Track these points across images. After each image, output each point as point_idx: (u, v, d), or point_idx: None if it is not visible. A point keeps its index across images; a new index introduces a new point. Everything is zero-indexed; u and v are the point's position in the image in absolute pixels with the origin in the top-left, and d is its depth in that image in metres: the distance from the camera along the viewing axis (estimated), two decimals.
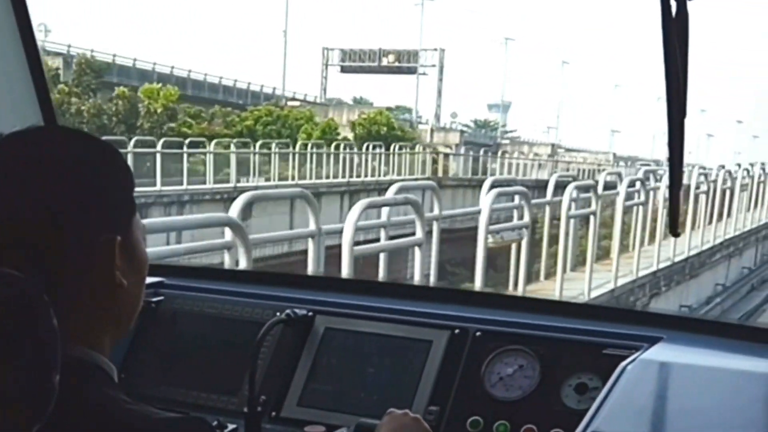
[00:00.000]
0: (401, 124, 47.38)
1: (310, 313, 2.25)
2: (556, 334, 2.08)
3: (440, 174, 36.98)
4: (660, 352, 2.00)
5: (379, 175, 32.07)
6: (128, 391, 1.20)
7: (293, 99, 50.41)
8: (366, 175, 31.66)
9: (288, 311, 2.22)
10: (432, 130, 50.44)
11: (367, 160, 33.15)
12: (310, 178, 28.82)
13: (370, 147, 34.46)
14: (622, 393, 1.79)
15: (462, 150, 46.71)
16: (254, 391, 2.06)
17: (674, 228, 2.09)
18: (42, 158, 1.19)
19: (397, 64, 59.23)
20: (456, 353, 2.10)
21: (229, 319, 2.32)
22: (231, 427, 2.06)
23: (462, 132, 53.76)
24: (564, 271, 11.47)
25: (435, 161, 39.62)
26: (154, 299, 2.39)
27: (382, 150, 34.64)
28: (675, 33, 1.67)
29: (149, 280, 2.47)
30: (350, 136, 38.76)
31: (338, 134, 37.85)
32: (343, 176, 30.23)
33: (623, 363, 1.91)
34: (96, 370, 1.19)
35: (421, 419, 1.72)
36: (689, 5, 1.68)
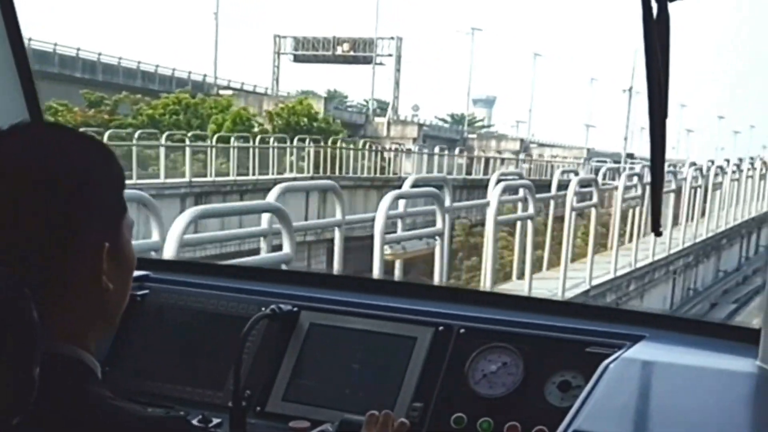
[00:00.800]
0: (337, 115, 43.44)
1: (296, 309, 2.25)
2: (540, 332, 2.10)
3: (390, 173, 33.83)
4: (642, 351, 2.02)
5: (276, 173, 26.55)
6: (113, 386, 1.21)
7: (227, 88, 46.48)
8: (254, 173, 26.32)
9: (273, 306, 2.22)
10: (389, 123, 47.48)
11: (275, 155, 28.27)
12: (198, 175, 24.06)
13: (294, 141, 30.52)
14: (605, 391, 1.80)
15: (420, 144, 43.82)
16: (239, 385, 2.06)
17: (656, 227, 2.10)
18: (32, 156, 1.18)
19: (352, 53, 55.44)
20: (440, 350, 2.11)
21: (215, 314, 2.32)
22: (216, 421, 2.06)
23: (421, 125, 50.18)
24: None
25: (383, 158, 36.30)
26: (140, 293, 2.38)
27: (288, 144, 30.12)
28: (656, 34, 1.69)
29: (134, 273, 2.47)
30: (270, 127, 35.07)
31: (252, 125, 33.78)
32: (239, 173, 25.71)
33: (606, 361, 1.92)
34: (80, 366, 1.19)
35: None
36: (670, 6, 1.69)
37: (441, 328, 2.14)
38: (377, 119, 48.68)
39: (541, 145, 61.80)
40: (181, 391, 2.22)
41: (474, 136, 58.91)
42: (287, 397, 2.15)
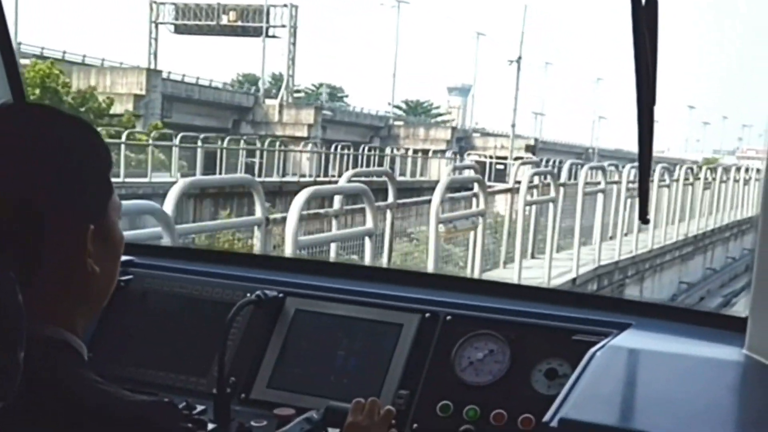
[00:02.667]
0: (220, 97, 37.95)
1: (281, 295, 2.23)
2: (526, 320, 2.09)
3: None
4: (629, 339, 2.01)
5: None
6: (96, 371, 1.19)
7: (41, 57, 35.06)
8: None
9: (258, 292, 2.20)
10: (281, 106, 40.28)
11: None
12: None
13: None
14: (592, 379, 1.80)
15: (318, 133, 38.47)
16: (223, 372, 2.05)
17: (643, 214, 2.10)
18: (15, 137, 1.16)
19: (240, 23, 47.30)
20: (426, 337, 2.10)
21: (199, 300, 2.31)
22: (200, 408, 2.04)
23: (319, 108, 42.56)
24: None
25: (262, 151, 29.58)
26: (124, 278, 2.36)
27: None
28: (644, 22, 1.67)
29: None
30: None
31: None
32: None
33: (592, 349, 1.92)
34: (66, 348, 1.18)
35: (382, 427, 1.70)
36: None
37: (427, 315, 2.13)
38: (268, 102, 41.47)
39: (486, 134, 56.56)
40: (165, 377, 2.20)
41: (400, 123, 51.94)
42: (272, 384, 2.14)
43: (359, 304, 2.20)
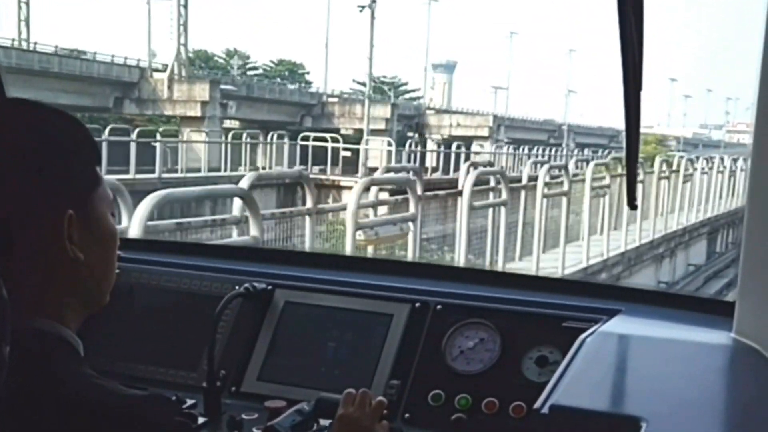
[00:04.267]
0: (88, 69, 31.43)
1: (270, 287, 2.23)
2: (516, 308, 2.09)
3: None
4: (619, 325, 2.02)
5: None
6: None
7: None
8: None
9: (247, 285, 2.20)
10: (171, 80, 33.89)
11: None
12: None
13: None
14: (582, 366, 1.80)
15: (216, 112, 32.76)
16: (213, 365, 2.04)
17: (632, 200, 2.10)
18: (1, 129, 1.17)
19: None
20: (417, 327, 2.10)
21: (187, 293, 2.30)
22: (190, 402, 2.04)
23: (215, 82, 35.58)
24: None
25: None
26: None
27: None
28: (630, 6, 1.67)
29: None
30: None
31: None
32: None
33: (583, 336, 1.92)
34: (61, 342, 1.19)
35: (371, 428, 1.69)
36: None
37: (417, 304, 2.13)
38: (157, 76, 34.82)
39: (440, 111, 52.42)
40: (154, 372, 2.19)
41: (334, 100, 45.22)
42: (262, 377, 2.13)
43: (349, 295, 2.20)
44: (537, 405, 1.68)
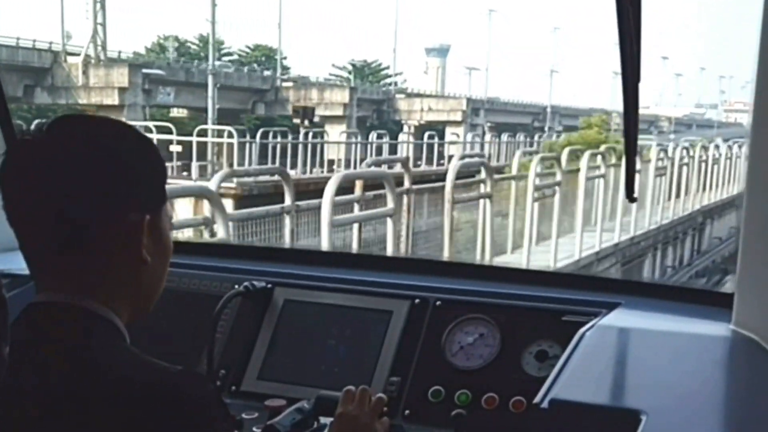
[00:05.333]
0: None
1: (269, 285, 2.23)
2: (515, 302, 2.09)
3: None
4: (618, 318, 2.02)
5: None
6: None
7: None
8: None
9: (246, 283, 2.20)
10: (87, 65, 29.69)
11: None
12: None
13: None
14: (582, 359, 1.80)
15: (139, 99, 28.60)
16: (213, 365, 2.05)
17: (630, 193, 2.10)
18: (88, 143, 1.28)
19: None
20: (416, 323, 2.10)
21: (187, 292, 2.29)
22: None
23: (136, 66, 30.98)
24: None
25: None
26: None
27: None
28: None
29: None
30: None
31: None
32: None
33: (582, 329, 1.92)
34: (108, 324, 1.27)
35: (371, 426, 1.70)
36: None
37: (417, 301, 2.13)
38: (72, 60, 30.61)
39: (411, 95, 47.98)
40: None
41: (290, 84, 40.86)
42: (262, 376, 2.13)
43: (348, 293, 2.20)
44: (537, 399, 1.68)
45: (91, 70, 29.84)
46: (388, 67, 61.81)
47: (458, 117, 41.37)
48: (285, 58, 56.57)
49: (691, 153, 19.75)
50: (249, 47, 58.43)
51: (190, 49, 56.24)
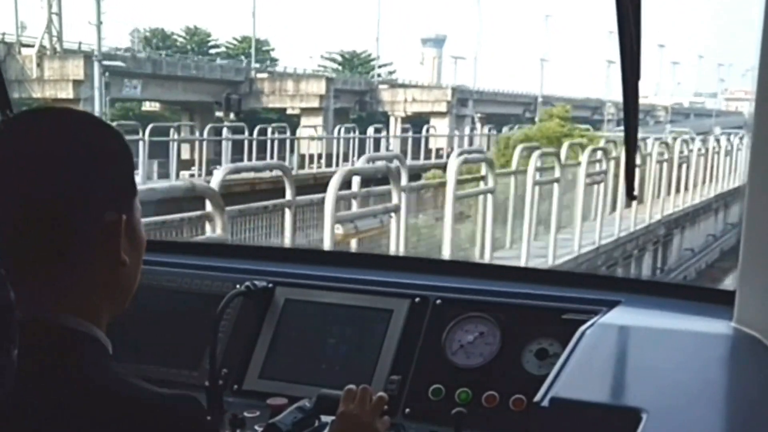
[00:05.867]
0: None
1: (270, 285, 2.23)
2: (515, 300, 2.09)
3: None
4: (618, 316, 2.02)
5: None
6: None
7: None
8: None
9: (248, 283, 2.20)
10: (41, 56, 27.88)
11: None
12: None
13: None
14: (582, 357, 1.80)
15: (96, 92, 26.19)
16: (215, 364, 2.05)
17: (630, 191, 2.10)
18: (52, 138, 1.21)
19: None
20: (417, 322, 2.10)
21: (188, 292, 2.30)
22: None
23: (91, 57, 27.74)
24: None
25: None
26: None
27: None
28: None
29: None
30: None
31: None
32: None
33: (582, 327, 1.92)
34: (93, 342, 1.21)
35: (372, 424, 1.69)
36: None
37: (417, 299, 2.13)
38: (26, 52, 28.72)
39: (395, 85, 46.22)
40: (156, 371, 2.19)
41: (265, 75, 39.53)
42: (264, 375, 2.14)
43: (349, 291, 2.20)
44: (537, 398, 1.68)
45: (45, 62, 28.16)
46: (378, 58, 60.42)
47: (443, 108, 39.77)
48: (273, 49, 55.44)
49: (671, 148, 17.91)
50: (236, 39, 56.74)
51: (177, 42, 54.59)
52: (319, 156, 25.55)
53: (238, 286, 2.20)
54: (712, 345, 1.94)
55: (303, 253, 3.00)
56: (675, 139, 20.01)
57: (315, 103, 35.49)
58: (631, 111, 1.87)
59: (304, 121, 33.37)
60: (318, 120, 33.00)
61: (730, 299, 1.95)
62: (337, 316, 2.17)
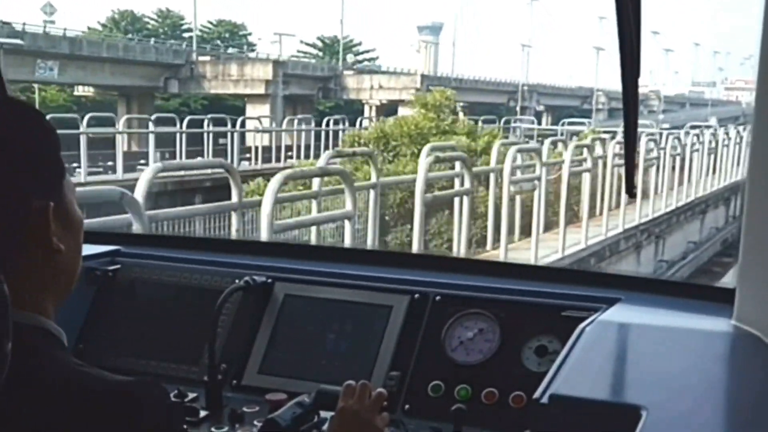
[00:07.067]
0: None
1: (270, 280, 2.23)
2: (515, 297, 2.09)
3: None
4: (618, 313, 2.02)
5: None
6: (87, 362, 1.19)
7: None
8: None
9: (247, 278, 2.20)
10: None
11: None
12: None
13: None
14: (582, 355, 1.80)
15: None
16: (214, 359, 2.05)
17: (630, 188, 2.10)
18: None
19: None
20: (416, 318, 2.10)
21: (188, 287, 2.30)
22: (191, 395, 2.04)
23: None
24: None
25: None
26: (111, 268, 2.35)
27: None
28: None
29: (105, 248, 2.43)
30: None
31: None
32: None
33: (582, 325, 1.92)
34: (45, 334, 1.18)
35: (372, 420, 1.69)
36: None
37: (417, 296, 2.13)
38: None
39: (362, 71, 44.29)
40: (156, 366, 2.20)
41: (206, 59, 36.95)
42: (263, 370, 2.14)
43: (348, 287, 2.20)
44: (537, 395, 1.68)
45: None
46: (360, 43, 58.71)
47: (411, 96, 35.98)
48: (250, 34, 53.16)
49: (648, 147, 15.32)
50: (212, 23, 54.76)
51: (148, 24, 52.01)
52: (264, 149, 23.10)
53: (237, 281, 2.20)
54: (712, 343, 1.94)
55: (302, 249, 3.00)
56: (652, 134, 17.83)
57: (260, 89, 32.79)
58: (630, 109, 1.86)
59: (249, 110, 30.53)
60: (264, 109, 29.70)
61: (730, 297, 1.95)
62: (336, 311, 2.17)
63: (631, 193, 2.11)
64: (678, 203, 16.98)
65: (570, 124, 28.40)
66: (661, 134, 18.57)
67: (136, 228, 4.80)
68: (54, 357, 1.16)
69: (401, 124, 16.31)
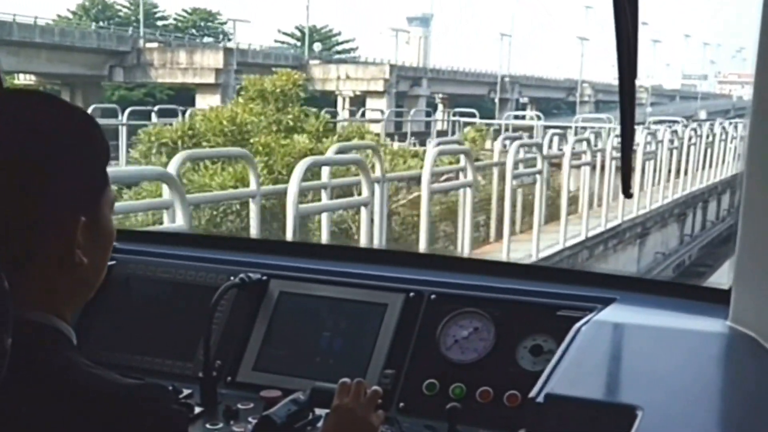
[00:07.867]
0: None
1: (265, 277, 2.23)
2: (511, 296, 2.09)
3: None
4: (613, 313, 2.02)
5: None
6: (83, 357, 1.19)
7: None
8: None
9: (242, 275, 2.19)
10: None
11: None
12: None
13: None
14: (577, 354, 1.80)
15: None
16: (209, 356, 2.05)
17: (626, 188, 2.10)
18: (15, 124, 1.14)
19: None
20: (411, 316, 2.10)
21: (183, 284, 2.29)
22: (186, 392, 2.04)
23: None
24: None
25: None
26: None
27: None
28: None
29: None
30: None
31: None
32: None
33: (577, 324, 1.92)
34: (57, 334, 1.19)
35: (367, 418, 1.69)
36: None
37: (412, 294, 2.13)
38: None
39: (329, 61, 42.78)
40: (151, 362, 2.19)
41: (154, 46, 35.42)
42: (258, 367, 2.14)
43: (343, 285, 2.20)
44: (532, 394, 1.68)
45: None
46: (339, 33, 57.05)
47: (379, 87, 35.66)
48: (225, 23, 50.91)
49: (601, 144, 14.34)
50: (186, 11, 52.60)
51: (120, 12, 49.84)
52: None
53: (232, 278, 2.20)
54: (707, 343, 1.94)
55: (298, 246, 3.00)
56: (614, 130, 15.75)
57: (210, 79, 30.45)
58: (627, 109, 1.86)
59: (198, 100, 28.39)
60: (215, 99, 26.21)
61: (726, 298, 1.95)
62: (331, 309, 2.17)
63: (628, 193, 2.11)
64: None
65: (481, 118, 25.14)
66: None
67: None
68: (63, 356, 1.16)
69: (210, 119, 12.61)
